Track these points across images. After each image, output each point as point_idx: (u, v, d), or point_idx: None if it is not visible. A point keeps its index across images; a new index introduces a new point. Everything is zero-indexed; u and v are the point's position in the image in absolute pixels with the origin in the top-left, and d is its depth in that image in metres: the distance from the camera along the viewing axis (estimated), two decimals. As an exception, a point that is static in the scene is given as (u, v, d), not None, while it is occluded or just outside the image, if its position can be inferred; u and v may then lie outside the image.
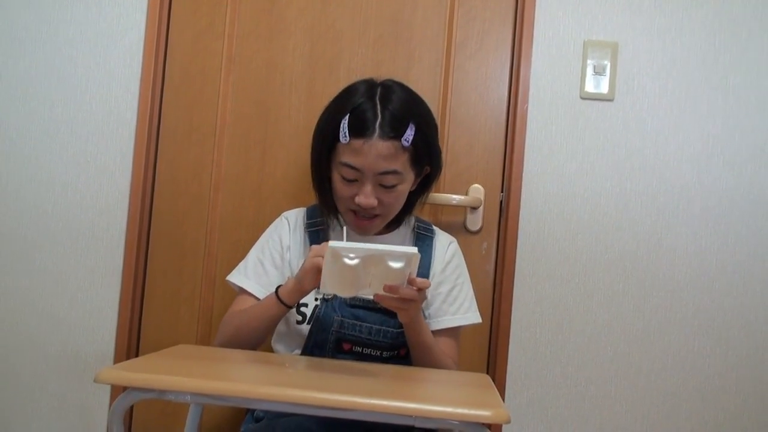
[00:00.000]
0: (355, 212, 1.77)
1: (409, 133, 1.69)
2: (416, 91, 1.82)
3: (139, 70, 2.24)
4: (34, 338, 2.24)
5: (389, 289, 1.49)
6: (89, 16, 2.26)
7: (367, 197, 1.72)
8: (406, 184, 1.77)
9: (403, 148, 1.70)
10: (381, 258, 1.45)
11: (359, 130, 1.69)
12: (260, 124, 2.26)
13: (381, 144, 1.68)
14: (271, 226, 1.95)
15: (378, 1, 2.27)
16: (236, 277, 1.87)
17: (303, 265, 1.62)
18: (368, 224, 1.79)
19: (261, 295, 1.81)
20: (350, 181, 1.74)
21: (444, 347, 1.85)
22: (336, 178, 1.77)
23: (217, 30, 2.28)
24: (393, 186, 1.73)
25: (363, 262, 1.44)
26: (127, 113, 2.24)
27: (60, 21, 2.26)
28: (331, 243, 1.45)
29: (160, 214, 2.28)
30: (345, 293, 1.51)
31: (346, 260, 1.44)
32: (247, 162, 2.26)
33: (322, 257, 1.49)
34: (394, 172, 1.71)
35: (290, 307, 1.70)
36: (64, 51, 2.26)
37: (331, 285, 1.49)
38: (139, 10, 2.24)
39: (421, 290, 1.54)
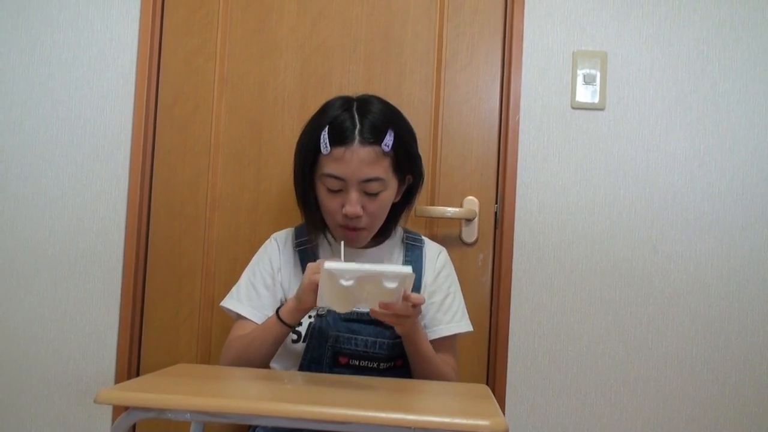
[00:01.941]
0: (343, 226, 1.78)
1: (389, 139, 1.71)
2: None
3: (133, 93, 2.26)
4: (35, 362, 2.24)
5: (384, 306, 1.50)
6: (82, 40, 2.27)
7: (352, 205, 1.73)
8: (390, 192, 1.78)
9: (384, 153, 1.72)
10: (376, 277, 1.47)
11: (339, 138, 1.71)
12: (254, 142, 2.28)
13: (362, 150, 1.70)
14: (260, 248, 1.95)
15: (368, 18, 2.28)
16: (230, 303, 1.88)
17: (301, 283, 1.63)
18: (353, 236, 1.79)
19: (256, 318, 1.82)
20: (335, 192, 1.75)
21: (442, 356, 1.85)
22: (321, 191, 1.78)
23: (209, 51, 2.30)
24: (377, 193, 1.74)
25: (358, 281, 1.46)
26: (122, 135, 2.25)
27: (53, 45, 2.27)
28: (326, 264, 1.46)
29: (156, 235, 2.29)
30: (341, 309, 1.52)
31: (342, 281, 1.46)
32: (242, 181, 2.27)
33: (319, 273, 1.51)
34: (377, 179, 1.72)
35: (293, 327, 1.71)
36: (58, 75, 2.27)
37: (327, 300, 1.51)
38: (130, 33, 2.26)
39: (416, 306, 1.56)
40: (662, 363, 2.20)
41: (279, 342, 1.75)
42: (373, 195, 1.75)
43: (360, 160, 1.70)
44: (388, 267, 1.49)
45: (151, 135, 2.29)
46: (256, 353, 1.75)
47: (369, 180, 1.72)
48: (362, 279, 1.45)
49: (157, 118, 2.29)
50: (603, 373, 2.20)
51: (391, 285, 1.47)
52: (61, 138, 2.26)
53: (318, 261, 1.59)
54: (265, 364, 1.78)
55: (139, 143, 2.24)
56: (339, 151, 1.71)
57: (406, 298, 1.52)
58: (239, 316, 1.85)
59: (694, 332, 2.20)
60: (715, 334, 2.20)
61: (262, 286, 1.86)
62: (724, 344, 2.20)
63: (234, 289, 1.90)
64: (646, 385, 2.20)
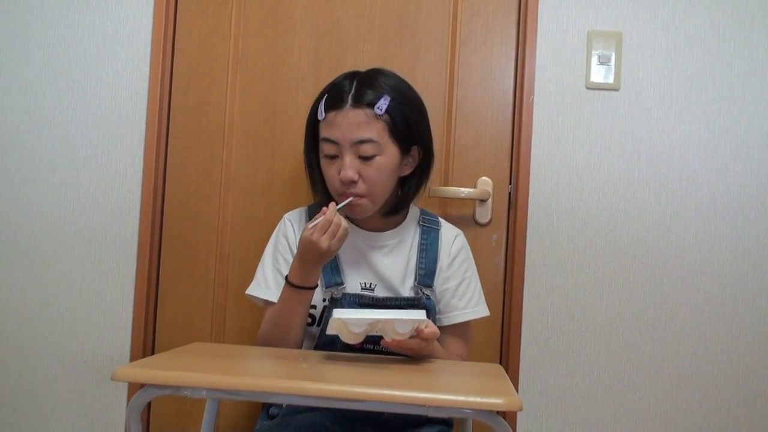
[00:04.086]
0: (344, 195, 1.77)
1: (383, 102, 1.73)
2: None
3: (147, 73, 2.26)
4: (51, 340, 2.26)
5: (397, 343, 1.53)
6: (96, 20, 2.27)
7: (346, 169, 1.73)
8: (387, 157, 1.76)
9: (377, 116, 1.73)
10: (388, 322, 1.50)
11: (333, 103, 1.75)
12: (268, 122, 2.28)
13: (353, 112, 1.72)
14: (275, 231, 1.94)
15: (382, -3, 2.29)
16: (258, 291, 1.85)
17: (300, 240, 1.67)
18: (354, 206, 1.77)
19: None
20: (332, 158, 1.76)
21: (455, 343, 1.86)
22: (322, 160, 1.80)
23: (223, 31, 2.30)
24: (372, 157, 1.74)
25: (369, 324, 1.50)
26: (137, 116, 2.26)
27: (68, 25, 2.27)
28: (337, 313, 1.50)
29: (171, 215, 2.29)
30: (351, 342, 1.54)
31: (352, 328, 1.48)
32: (256, 161, 2.28)
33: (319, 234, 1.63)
34: (370, 141, 1.73)
35: (311, 288, 1.71)
36: (73, 55, 2.28)
37: (336, 332, 1.53)
38: (145, 13, 2.26)
39: (429, 340, 1.57)
40: (675, 343, 2.20)
41: (305, 309, 1.74)
42: (368, 158, 1.74)
43: (350, 122, 1.72)
44: (400, 314, 1.52)
45: (166, 115, 2.29)
46: (288, 331, 1.74)
47: (361, 141, 1.73)
48: (373, 322, 1.49)
49: (172, 98, 2.30)
50: (616, 353, 2.20)
51: (403, 331, 1.50)
52: (76, 118, 2.27)
53: (312, 219, 1.66)
54: (299, 340, 1.77)
55: (153, 123, 2.25)
56: (332, 114, 1.74)
57: (419, 333, 1.53)
58: (268, 303, 1.83)
59: (707, 313, 2.20)
60: (728, 315, 2.20)
61: (286, 269, 1.83)
62: (738, 325, 2.20)
63: (260, 277, 1.87)
64: (660, 366, 2.20)
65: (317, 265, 1.69)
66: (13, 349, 2.27)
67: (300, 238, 1.67)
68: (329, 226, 1.64)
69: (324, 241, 1.63)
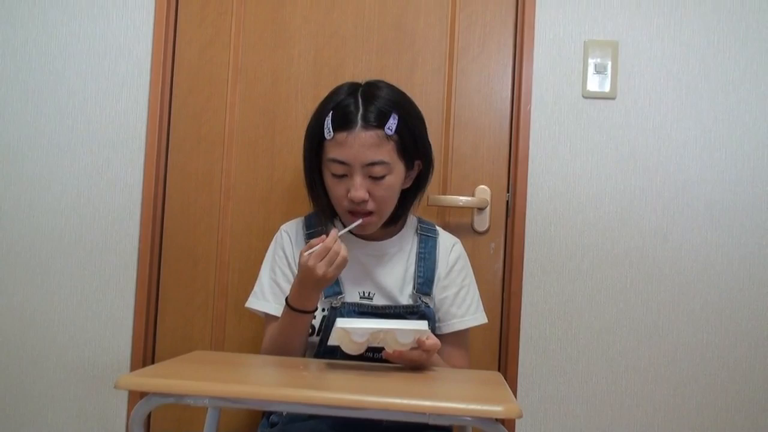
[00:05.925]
0: (352, 212, 1.77)
1: (392, 122, 1.72)
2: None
3: (148, 82, 2.27)
4: (52, 348, 2.27)
5: (398, 355, 1.54)
6: (97, 31, 2.29)
7: (356, 190, 1.72)
8: (396, 176, 1.77)
9: (387, 137, 1.72)
10: (389, 332, 1.50)
11: (342, 123, 1.72)
12: (267, 132, 2.29)
13: (364, 134, 1.70)
14: (272, 242, 1.94)
15: (380, 8, 2.29)
16: (257, 303, 1.86)
17: (299, 265, 1.67)
18: (365, 225, 1.78)
19: None
20: (340, 177, 1.75)
21: (455, 354, 1.87)
22: (328, 177, 1.79)
23: (223, 41, 2.31)
24: (382, 177, 1.74)
25: (372, 334, 1.50)
26: (137, 125, 2.27)
27: (69, 35, 2.29)
28: (340, 323, 1.51)
29: (171, 223, 2.31)
30: (352, 353, 1.55)
31: (355, 338, 1.49)
32: (256, 170, 2.29)
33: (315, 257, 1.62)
34: (381, 163, 1.72)
35: (311, 311, 1.72)
36: (74, 65, 2.29)
37: (337, 343, 1.54)
38: (146, 23, 2.28)
39: (430, 351, 1.57)
40: (672, 350, 2.21)
41: (305, 330, 1.75)
42: (379, 179, 1.74)
43: (362, 144, 1.70)
44: (402, 323, 1.53)
45: (166, 124, 2.30)
46: (288, 350, 1.75)
47: (372, 164, 1.72)
48: (376, 332, 1.50)
49: (172, 107, 2.31)
50: (614, 360, 2.22)
51: (406, 341, 1.51)
52: (77, 127, 2.28)
53: (310, 243, 1.66)
54: (303, 354, 1.79)
55: (154, 132, 2.26)
56: (341, 135, 1.72)
57: (420, 344, 1.53)
58: (268, 316, 1.85)
59: (704, 320, 2.21)
60: (725, 322, 2.21)
61: (284, 281, 1.86)
62: (734, 332, 2.21)
63: (257, 289, 1.89)
64: (657, 373, 2.21)
65: (315, 290, 1.69)
66: (13, 357, 2.28)
67: (299, 263, 1.67)
68: (327, 253, 1.63)
69: (320, 268, 1.62)
